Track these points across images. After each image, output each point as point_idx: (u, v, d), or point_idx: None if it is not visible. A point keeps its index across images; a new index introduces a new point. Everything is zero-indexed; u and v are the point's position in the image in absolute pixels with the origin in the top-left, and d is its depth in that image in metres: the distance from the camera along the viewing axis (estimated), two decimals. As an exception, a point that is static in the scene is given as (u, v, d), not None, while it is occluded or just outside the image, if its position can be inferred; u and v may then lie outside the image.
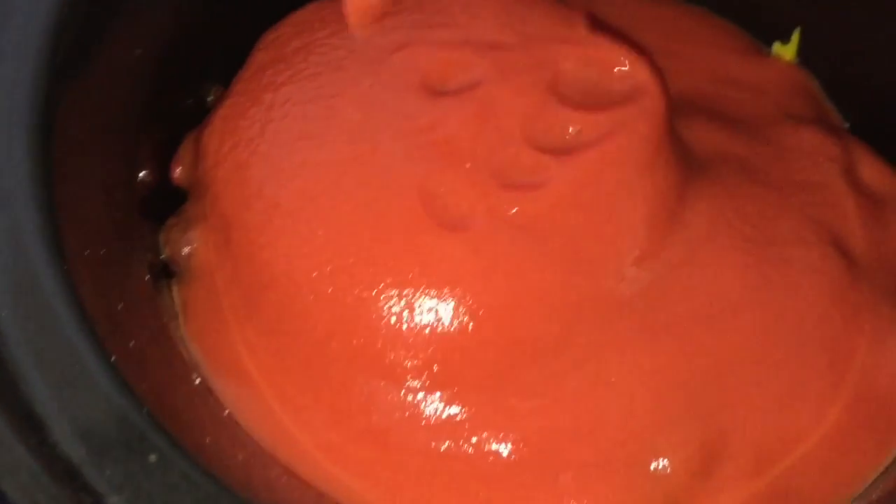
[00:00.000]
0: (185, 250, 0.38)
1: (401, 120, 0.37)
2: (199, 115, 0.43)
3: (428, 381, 0.34)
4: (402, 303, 0.34)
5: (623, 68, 0.38)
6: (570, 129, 0.37)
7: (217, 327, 0.37)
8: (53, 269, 0.29)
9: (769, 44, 0.49)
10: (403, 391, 0.34)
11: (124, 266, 0.35)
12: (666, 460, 0.34)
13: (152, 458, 0.26)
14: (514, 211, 0.35)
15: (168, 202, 0.41)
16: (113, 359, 0.28)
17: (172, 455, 0.26)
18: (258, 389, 0.35)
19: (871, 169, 0.44)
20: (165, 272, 0.39)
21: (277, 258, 0.35)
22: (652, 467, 0.34)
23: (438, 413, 0.34)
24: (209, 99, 0.44)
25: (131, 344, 0.31)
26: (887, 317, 0.39)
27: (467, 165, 0.36)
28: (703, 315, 0.36)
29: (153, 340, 0.33)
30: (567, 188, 0.35)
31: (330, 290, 0.34)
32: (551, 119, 0.37)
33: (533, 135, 0.37)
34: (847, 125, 0.47)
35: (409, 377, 0.34)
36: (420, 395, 0.34)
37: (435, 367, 0.34)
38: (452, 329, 0.34)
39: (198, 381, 0.34)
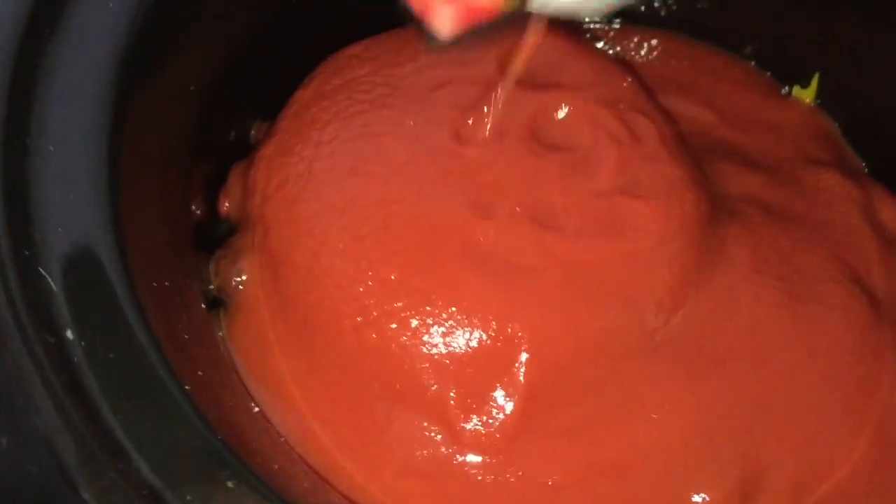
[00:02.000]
0: (235, 281, 0.40)
1: (445, 160, 0.38)
2: (242, 149, 0.44)
3: (470, 421, 0.36)
4: (447, 349, 0.35)
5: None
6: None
7: (265, 360, 0.38)
8: (130, 301, 0.31)
9: (789, 86, 0.51)
10: (447, 430, 0.36)
11: (184, 297, 0.36)
12: (706, 495, 0.35)
13: (230, 484, 0.27)
14: (558, 254, 0.36)
15: (214, 234, 0.42)
16: (187, 387, 0.29)
17: (249, 481, 0.27)
18: (306, 421, 0.37)
19: (890, 210, 0.45)
20: (214, 302, 0.40)
21: (323, 301, 0.36)
22: (693, 501, 0.35)
23: (481, 450, 0.36)
24: (252, 133, 0.46)
25: (200, 373, 0.32)
26: None
27: (514, 209, 0.37)
28: (742, 353, 0.38)
29: (215, 369, 0.35)
30: (609, 234, 0.37)
31: (374, 337, 0.36)
32: (591, 167, 0.39)
33: (572, 181, 0.38)
34: (865, 168, 0.49)
35: (451, 417, 0.35)
36: (462, 433, 0.35)
37: (476, 408, 0.36)
38: (497, 374, 0.36)
39: (256, 410, 0.35)
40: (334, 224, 0.37)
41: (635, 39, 0.53)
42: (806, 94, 0.50)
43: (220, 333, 0.40)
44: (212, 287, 0.40)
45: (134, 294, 0.31)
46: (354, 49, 0.44)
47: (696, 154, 0.45)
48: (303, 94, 0.42)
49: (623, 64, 0.47)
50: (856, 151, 0.49)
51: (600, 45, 0.53)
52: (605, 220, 0.38)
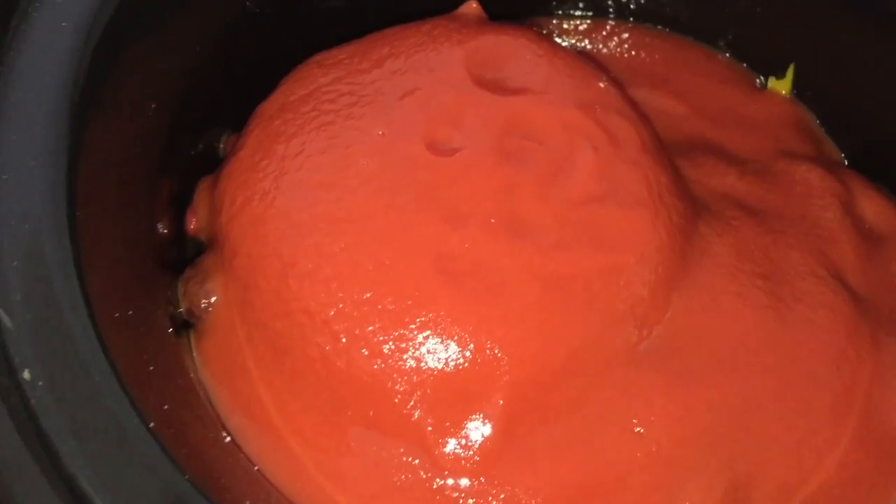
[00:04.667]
0: (204, 303, 0.38)
1: (417, 171, 0.37)
2: (209, 162, 0.43)
3: (448, 444, 0.35)
4: (421, 374, 0.34)
5: None
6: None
7: (238, 384, 0.37)
8: (90, 337, 0.30)
9: (765, 77, 0.50)
10: (425, 454, 0.35)
11: (149, 325, 0.35)
12: (694, 505, 0.34)
13: (199, 528, 0.26)
14: (536, 268, 0.35)
15: (183, 252, 0.41)
16: (151, 425, 0.28)
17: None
18: (284, 445, 0.35)
19: (870, 203, 0.45)
20: (184, 324, 0.39)
21: (291, 328, 0.35)
22: (681, 512, 0.34)
23: (461, 473, 0.35)
24: (220, 145, 0.44)
25: (165, 407, 0.31)
26: (889, 351, 0.40)
27: (489, 221, 0.36)
28: (727, 358, 0.37)
29: (184, 401, 0.33)
30: (588, 246, 0.36)
31: (343, 365, 0.34)
32: (568, 174, 0.38)
33: (549, 190, 0.37)
34: (845, 159, 0.48)
35: (429, 441, 0.34)
36: (441, 457, 0.34)
37: (454, 431, 0.35)
38: (475, 396, 0.35)
39: (227, 440, 0.34)
40: (302, 243, 0.36)
41: (604, 32, 0.52)
42: (782, 86, 0.49)
43: (193, 355, 0.39)
44: (181, 310, 0.39)
45: (95, 328, 0.30)
46: (318, 57, 0.42)
47: (670, 148, 0.45)
48: (266, 107, 0.41)
49: (597, 63, 0.46)
50: (835, 142, 0.49)
51: (570, 39, 0.52)
52: (584, 230, 0.37)
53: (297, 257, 0.36)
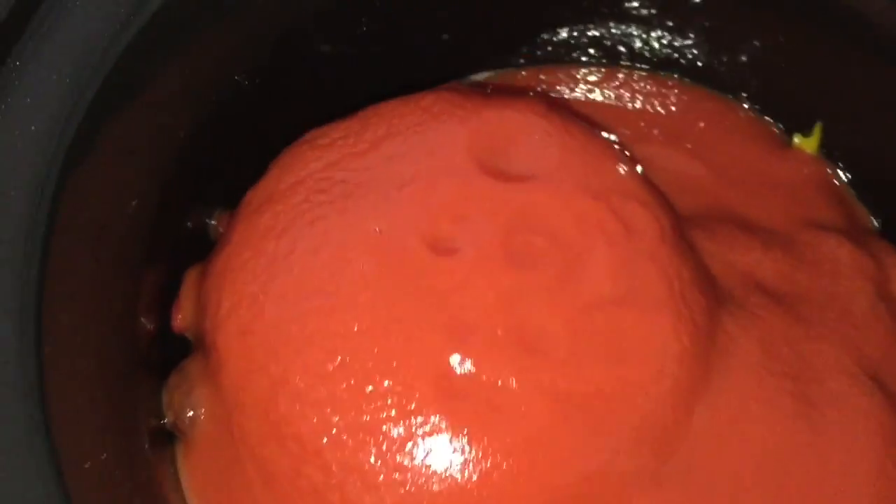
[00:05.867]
0: (190, 416, 0.36)
1: (417, 276, 0.34)
2: (199, 246, 0.40)
3: None
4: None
5: None
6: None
7: (233, 498, 0.35)
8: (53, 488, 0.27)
9: (790, 134, 0.47)
10: None
11: (126, 456, 0.32)
12: None
13: None
14: (546, 386, 0.33)
15: (167, 352, 0.38)
16: None
17: None
18: None
19: (904, 280, 0.42)
20: (170, 435, 0.37)
21: (281, 457, 0.33)
22: None
23: None
24: (212, 223, 0.41)
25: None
26: None
27: (496, 333, 0.33)
28: (755, 478, 0.34)
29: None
30: (604, 360, 0.33)
31: (337, 500, 0.32)
32: (581, 274, 0.35)
33: (560, 295, 0.34)
34: (877, 224, 0.45)
35: None
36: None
37: None
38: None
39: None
40: (294, 360, 0.33)
41: (616, 81, 0.48)
42: (808, 144, 0.46)
43: (176, 468, 0.36)
44: (164, 421, 0.37)
45: (61, 481, 0.27)
46: (309, 136, 0.39)
47: (686, 217, 0.42)
48: (254, 196, 0.38)
49: (609, 119, 0.43)
50: (865, 207, 0.46)
51: (580, 89, 0.48)
52: (599, 340, 0.34)
53: (289, 376, 0.33)
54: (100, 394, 0.33)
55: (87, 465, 0.29)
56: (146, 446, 0.35)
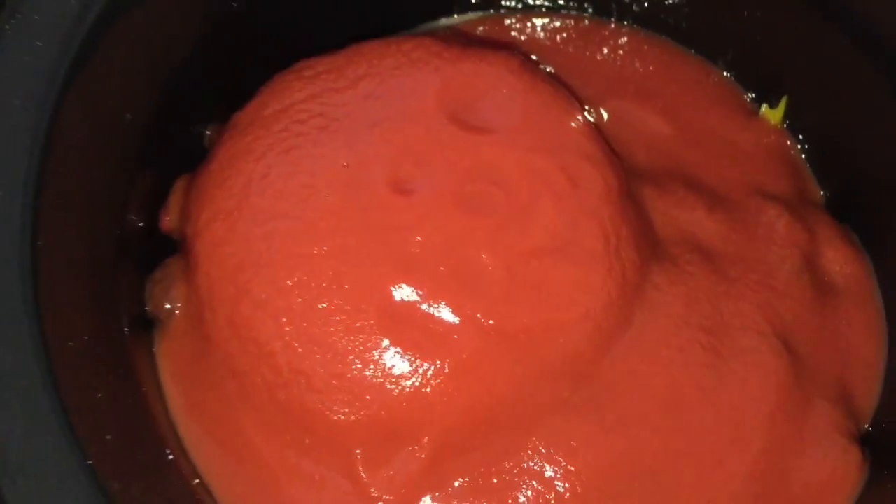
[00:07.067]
0: (167, 309, 0.41)
1: (373, 211, 0.38)
2: (194, 155, 0.44)
3: (376, 477, 0.37)
4: (356, 414, 0.36)
5: None
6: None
7: (194, 391, 0.39)
8: (38, 367, 0.32)
9: (759, 104, 0.49)
10: (353, 483, 0.37)
11: (106, 335, 0.37)
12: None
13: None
14: (478, 321, 0.37)
15: (157, 247, 0.43)
16: (90, 462, 0.31)
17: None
18: (235, 456, 0.38)
19: (836, 254, 0.45)
20: (148, 325, 0.41)
21: (241, 355, 0.37)
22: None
23: None
24: (207, 133, 0.45)
25: (108, 437, 0.33)
26: (821, 415, 0.41)
27: (439, 270, 0.37)
28: (653, 415, 0.38)
29: (128, 427, 0.36)
30: (534, 302, 0.37)
31: (283, 397, 0.37)
32: (525, 224, 0.38)
33: (503, 240, 0.38)
34: (824, 196, 0.48)
35: (356, 472, 0.37)
36: (367, 488, 0.37)
37: (383, 466, 0.37)
38: (405, 438, 0.37)
39: (171, 457, 0.37)
40: (259, 273, 0.38)
41: (605, 33, 0.51)
42: (773, 115, 0.48)
43: (153, 350, 0.41)
44: (147, 308, 0.41)
45: (49, 366, 0.32)
46: (299, 65, 0.43)
47: (644, 171, 0.45)
48: (241, 118, 0.42)
49: (574, 97, 0.45)
50: (817, 179, 0.48)
51: (565, 37, 0.51)
52: (532, 285, 0.38)
53: (251, 286, 0.38)
54: (88, 280, 0.37)
55: (70, 344, 0.34)
56: (126, 330, 0.39)
